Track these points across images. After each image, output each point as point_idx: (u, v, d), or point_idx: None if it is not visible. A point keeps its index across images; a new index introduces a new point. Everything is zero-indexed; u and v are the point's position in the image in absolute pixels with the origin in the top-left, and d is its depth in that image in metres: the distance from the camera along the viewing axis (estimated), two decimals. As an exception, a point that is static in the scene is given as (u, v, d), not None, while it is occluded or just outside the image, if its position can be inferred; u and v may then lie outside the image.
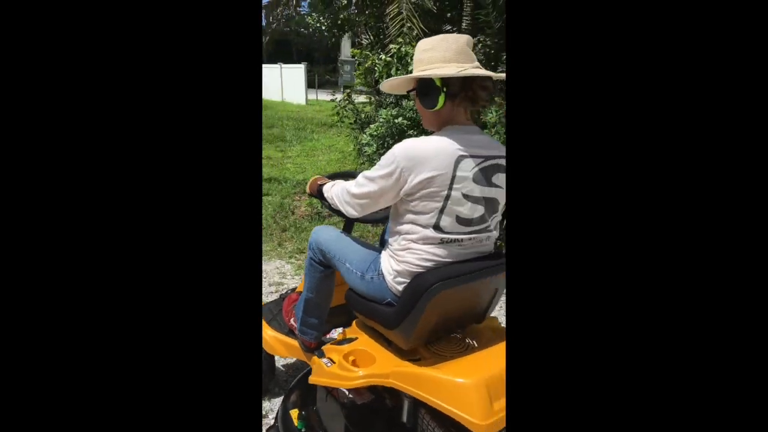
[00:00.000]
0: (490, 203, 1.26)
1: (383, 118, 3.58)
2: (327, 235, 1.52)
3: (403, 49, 3.41)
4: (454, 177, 1.17)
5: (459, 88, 1.23)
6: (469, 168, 1.19)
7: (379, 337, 1.38)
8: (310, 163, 7.19)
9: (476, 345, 1.29)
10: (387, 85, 1.39)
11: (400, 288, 1.26)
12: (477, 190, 1.21)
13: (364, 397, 1.35)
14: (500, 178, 1.27)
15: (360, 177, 1.29)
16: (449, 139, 1.20)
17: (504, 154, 1.29)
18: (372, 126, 3.62)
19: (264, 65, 17.84)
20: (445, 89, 1.22)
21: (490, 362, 1.18)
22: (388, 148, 3.81)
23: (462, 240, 1.25)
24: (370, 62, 3.53)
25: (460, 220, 1.23)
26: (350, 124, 4.08)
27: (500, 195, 1.29)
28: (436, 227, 1.21)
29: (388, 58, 3.44)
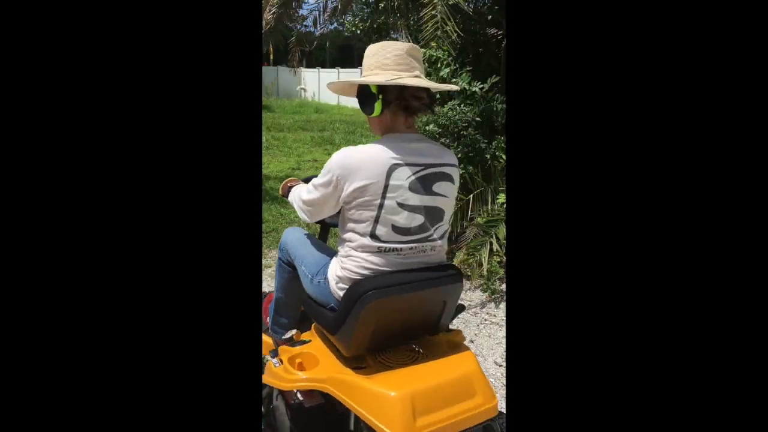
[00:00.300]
0: (431, 212, 1.24)
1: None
2: (293, 236, 1.54)
3: (432, 53, 3.28)
4: (386, 186, 1.17)
5: (394, 96, 1.23)
6: (404, 176, 1.18)
7: (330, 342, 1.37)
8: (354, 167, 7.21)
9: (426, 357, 1.26)
10: (333, 87, 1.39)
11: (341, 294, 1.26)
12: (414, 199, 1.20)
13: (313, 400, 1.33)
14: (443, 187, 1.25)
15: (309, 184, 1.30)
16: (384, 147, 1.19)
17: (451, 162, 1.27)
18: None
19: (322, 70, 18.26)
20: (380, 96, 1.22)
21: (430, 375, 1.15)
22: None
23: (401, 249, 1.23)
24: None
25: (397, 229, 1.21)
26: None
27: (444, 204, 1.26)
28: (373, 236, 1.21)
29: (419, 63, 3.34)
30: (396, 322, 1.25)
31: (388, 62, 1.22)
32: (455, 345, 1.35)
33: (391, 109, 1.24)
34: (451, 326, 1.43)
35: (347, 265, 1.24)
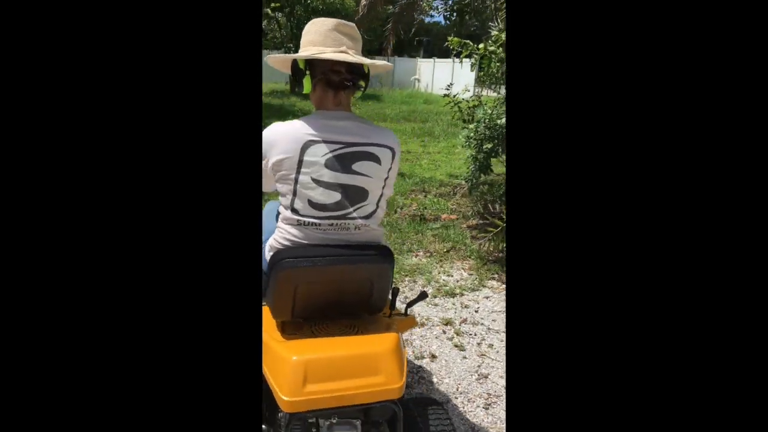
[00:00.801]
0: (349, 191, 1.24)
1: (481, 116, 3.11)
2: (265, 210, 1.63)
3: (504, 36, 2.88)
4: (301, 161, 1.20)
5: (319, 71, 1.25)
6: (320, 153, 1.20)
7: None
8: (446, 161, 6.91)
9: (356, 333, 1.29)
10: (270, 60, 1.37)
11: None
12: (330, 176, 1.21)
13: None
14: (365, 166, 1.24)
15: None
16: (304, 123, 1.22)
17: (381, 142, 1.25)
18: (471, 126, 3.19)
19: (437, 60, 17.94)
20: (308, 72, 1.25)
21: (339, 347, 1.18)
22: (488, 153, 3.34)
23: (320, 224, 1.25)
24: (466, 53, 3.08)
25: (314, 205, 1.24)
26: (461, 121, 3.67)
27: (367, 183, 1.26)
28: (293, 209, 1.25)
29: (491, 47, 2.95)
30: (319, 294, 1.28)
31: (315, 38, 1.24)
32: (390, 326, 1.35)
33: (319, 85, 1.26)
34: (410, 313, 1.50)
35: (276, 235, 1.31)
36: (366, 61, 1.25)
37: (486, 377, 2.16)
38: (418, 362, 2.24)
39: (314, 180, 1.21)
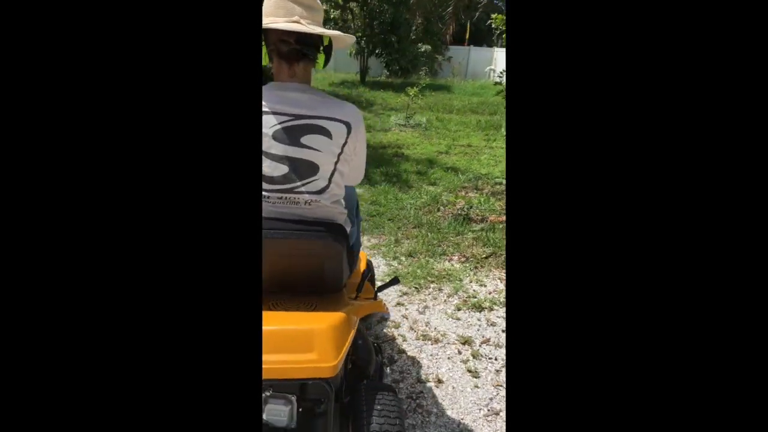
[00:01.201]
0: (298, 164, 1.21)
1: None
2: None
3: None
4: None
5: (270, 42, 1.22)
6: (267, 125, 1.18)
7: None
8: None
9: (311, 309, 1.28)
10: None
11: None
12: (278, 149, 1.19)
13: None
14: (314, 140, 1.20)
15: None
16: None
17: (331, 116, 1.21)
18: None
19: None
20: (263, 44, 1.23)
21: (279, 322, 1.17)
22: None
23: (269, 197, 1.23)
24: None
25: (262, 177, 1.22)
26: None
27: (316, 157, 1.21)
28: None
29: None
30: (272, 267, 1.26)
31: (269, 9, 1.19)
32: (347, 306, 1.33)
33: (273, 56, 1.23)
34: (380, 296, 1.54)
35: None
36: (318, 30, 1.18)
37: (497, 414, 1.83)
38: (419, 386, 1.96)
39: (262, 152, 1.18)
